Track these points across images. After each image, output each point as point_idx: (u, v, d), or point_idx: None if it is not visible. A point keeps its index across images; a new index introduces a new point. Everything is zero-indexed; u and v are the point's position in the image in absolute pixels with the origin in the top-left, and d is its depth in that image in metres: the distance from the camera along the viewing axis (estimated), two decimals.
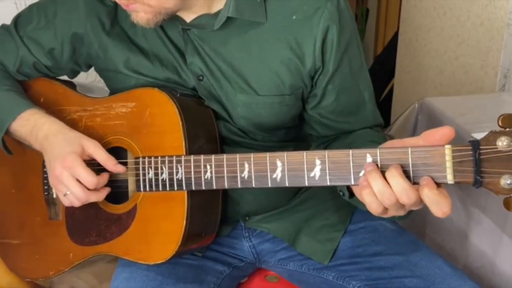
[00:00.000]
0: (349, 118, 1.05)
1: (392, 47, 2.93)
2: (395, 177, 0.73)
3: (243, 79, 0.99)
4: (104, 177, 0.97)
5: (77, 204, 0.96)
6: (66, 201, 0.96)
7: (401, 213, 0.78)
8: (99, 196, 0.97)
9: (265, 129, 1.04)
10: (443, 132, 0.73)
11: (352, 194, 0.88)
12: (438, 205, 0.71)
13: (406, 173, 0.74)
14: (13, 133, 1.03)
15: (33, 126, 1.00)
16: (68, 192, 0.95)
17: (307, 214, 1.11)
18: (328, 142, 1.09)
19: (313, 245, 1.08)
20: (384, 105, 2.94)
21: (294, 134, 1.10)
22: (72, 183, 0.93)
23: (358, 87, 1.04)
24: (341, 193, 0.90)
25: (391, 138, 1.61)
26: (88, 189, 0.95)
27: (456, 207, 1.39)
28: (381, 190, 0.74)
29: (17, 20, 1.11)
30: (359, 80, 1.03)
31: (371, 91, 1.07)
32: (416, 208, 0.77)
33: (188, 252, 1.04)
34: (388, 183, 0.74)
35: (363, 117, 1.06)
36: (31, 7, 1.11)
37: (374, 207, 0.77)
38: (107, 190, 0.98)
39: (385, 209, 0.77)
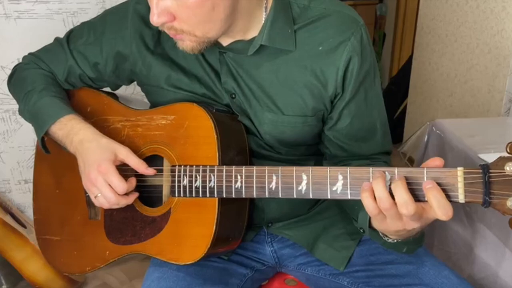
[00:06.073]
0: (359, 143, 1.08)
1: (406, 69, 2.96)
2: (399, 189, 0.76)
3: (271, 100, 1.04)
4: (132, 183, 1.02)
5: (106, 205, 1.01)
6: (97, 202, 1.01)
7: (399, 224, 0.80)
8: (128, 201, 1.02)
9: (288, 144, 1.08)
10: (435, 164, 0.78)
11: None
12: (443, 207, 0.74)
13: (421, 191, 0.77)
14: (51, 135, 1.09)
15: (69, 130, 1.05)
16: (99, 194, 1.00)
17: (325, 223, 1.16)
18: (337, 164, 1.12)
19: (330, 252, 1.12)
20: (398, 122, 2.98)
21: (315, 149, 1.15)
22: (105, 187, 0.99)
23: (371, 115, 1.07)
24: (361, 230, 0.95)
25: (404, 155, 1.67)
26: (119, 194, 1.00)
27: (463, 223, 1.40)
28: (379, 196, 0.77)
29: (69, 34, 1.18)
30: (373, 109, 1.07)
31: (384, 121, 1.10)
32: (414, 224, 0.80)
33: (215, 255, 1.08)
34: (391, 193, 0.77)
35: (372, 144, 1.09)
36: (83, 24, 1.18)
37: (370, 209, 0.80)
38: (135, 195, 1.04)
39: (383, 215, 0.80)
